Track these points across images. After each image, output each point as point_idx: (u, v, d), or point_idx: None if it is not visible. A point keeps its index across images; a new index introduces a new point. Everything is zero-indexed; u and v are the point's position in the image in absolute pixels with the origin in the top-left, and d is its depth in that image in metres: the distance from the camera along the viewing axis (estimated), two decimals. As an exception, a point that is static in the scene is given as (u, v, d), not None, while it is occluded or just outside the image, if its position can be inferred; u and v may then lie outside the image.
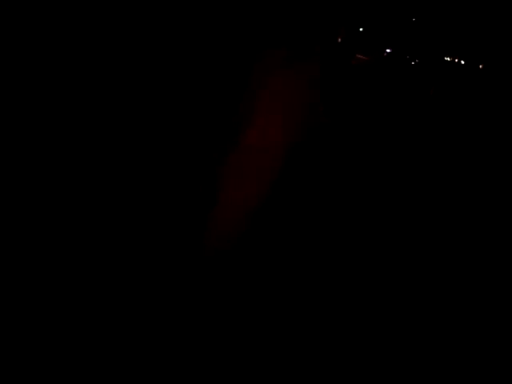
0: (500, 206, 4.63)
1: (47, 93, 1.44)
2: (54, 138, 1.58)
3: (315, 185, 3.96)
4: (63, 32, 1.40)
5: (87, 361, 1.76)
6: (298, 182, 3.78)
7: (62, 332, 1.78)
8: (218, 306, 2.17)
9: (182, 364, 1.78)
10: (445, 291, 2.87)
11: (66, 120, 1.61)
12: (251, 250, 2.68)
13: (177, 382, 1.74)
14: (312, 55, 3.57)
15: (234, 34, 1.93)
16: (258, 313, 2.21)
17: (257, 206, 3.02)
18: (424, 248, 3.23)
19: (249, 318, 2.14)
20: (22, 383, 1.65)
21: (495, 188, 5.32)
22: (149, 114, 1.88)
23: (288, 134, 3.48)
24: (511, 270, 3.28)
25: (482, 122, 8.18)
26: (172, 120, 1.95)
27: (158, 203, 2.08)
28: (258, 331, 2.05)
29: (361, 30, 9.19)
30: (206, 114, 2.05)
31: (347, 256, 2.80)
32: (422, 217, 3.78)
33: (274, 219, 3.13)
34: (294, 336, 2.07)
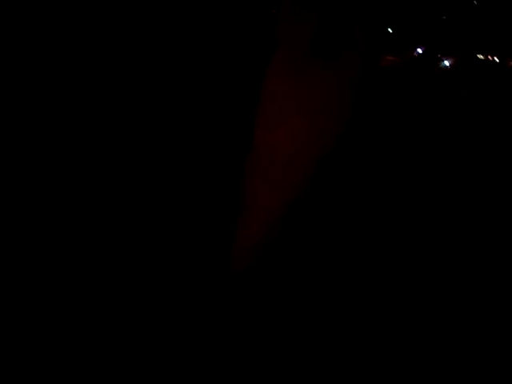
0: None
1: (47, 93, 1.50)
2: (61, 138, 1.63)
3: (345, 194, 4.01)
4: (63, 32, 1.46)
5: (93, 361, 1.81)
6: (327, 191, 3.82)
7: (71, 332, 1.83)
8: (242, 319, 2.20)
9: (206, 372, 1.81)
10: (452, 290, 2.90)
11: (78, 120, 1.65)
12: (279, 263, 2.71)
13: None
14: (342, 54, 3.52)
15: (252, 27, 1.87)
16: (284, 326, 2.24)
17: (284, 216, 3.04)
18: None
19: (274, 333, 2.16)
20: (22, 383, 1.73)
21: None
22: (168, 119, 1.89)
23: (315, 139, 3.51)
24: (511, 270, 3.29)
25: (517, 121, 7.95)
26: (193, 125, 1.94)
27: (181, 213, 2.07)
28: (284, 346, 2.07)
29: (390, 30, 9.10)
30: (228, 117, 2.00)
31: (381, 270, 2.81)
32: (462, 233, 3.75)
33: (302, 231, 3.15)
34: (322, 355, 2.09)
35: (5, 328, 1.62)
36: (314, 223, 3.53)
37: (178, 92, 1.67)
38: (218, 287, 2.08)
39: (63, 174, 1.58)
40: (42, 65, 1.39)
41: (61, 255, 1.70)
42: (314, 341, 2.16)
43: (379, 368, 2.14)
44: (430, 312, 2.73)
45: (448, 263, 3.32)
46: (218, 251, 2.03)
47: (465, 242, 3.87)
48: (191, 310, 2.00)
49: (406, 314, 2.54)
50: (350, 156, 5.47)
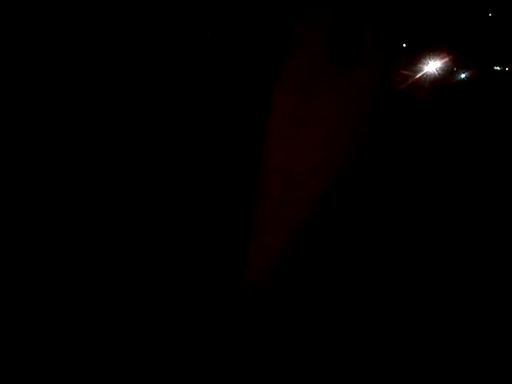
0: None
1: (47, 93, 1.44)
2: (64, 139, 1.57)
3: (365, 208, 3.86)
4: (63, 32, 1.40)
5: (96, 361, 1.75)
6: (347, 205, 3.70)
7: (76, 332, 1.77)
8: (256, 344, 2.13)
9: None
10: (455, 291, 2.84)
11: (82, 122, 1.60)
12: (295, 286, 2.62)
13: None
14: (357, 63, 3.38)
15: (258, 36, 1.74)
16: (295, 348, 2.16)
17: (295, 240, 2.93)
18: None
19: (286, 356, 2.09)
20: (22, 383, 1.65)
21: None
22: (170, 133, 1.82)
23: (332, 152, 3.37)
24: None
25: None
26: (197, 143, 1.88)
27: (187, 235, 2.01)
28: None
29: (404, 45, 9.05)
30: (234, 133, 1.91)
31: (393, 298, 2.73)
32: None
33: (315, 255, 3.04)
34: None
35: (5, 328, 1.57)
36: (334, 240, 3.45)
37: (183, 103, 1.57)
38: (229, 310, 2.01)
39: (64, 177, 1.51)
40: (42, 65, 1.33)
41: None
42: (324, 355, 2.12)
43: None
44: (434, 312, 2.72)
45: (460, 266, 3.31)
46: (229, 275, 1.95)
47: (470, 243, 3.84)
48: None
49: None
50: (369, 169, 5.39)
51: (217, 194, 1.81)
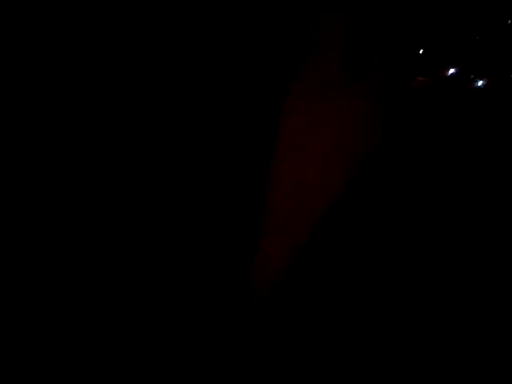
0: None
1: (47, 93, 1.41)
2: (66, 138, 1.54)
3: (376, 215, 3.79)
4: (63, 32, 1.37)
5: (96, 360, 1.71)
6: (351, 223, 3.64)
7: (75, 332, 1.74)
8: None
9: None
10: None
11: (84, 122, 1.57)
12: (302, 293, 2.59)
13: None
14: (368, 74, 3.32)
15: (266, 45, 1.67)
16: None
17: (302, 251, 2.88)
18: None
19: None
20: (22, 383, 1.61)
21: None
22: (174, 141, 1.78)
23: (340, 165, 3.30)
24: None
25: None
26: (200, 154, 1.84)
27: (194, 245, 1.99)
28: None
29: (421, 51, 8.98)
30: (241, 143, 1.84)
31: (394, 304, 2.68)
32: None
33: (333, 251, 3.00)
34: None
35: (5, 328, 1.53)
36: (345, 245, 3.43)
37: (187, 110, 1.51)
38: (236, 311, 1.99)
39: (63, 178, 1.47)
40: (42, 65, 1.28)
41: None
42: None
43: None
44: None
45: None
46: (235, 284, 1.91)
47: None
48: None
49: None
50: (380, 176, 5.35)
51: (226, 202, 1.75)
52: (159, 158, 1.59)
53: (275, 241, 2.31)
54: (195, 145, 1.64)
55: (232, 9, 1.48)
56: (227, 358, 2.05)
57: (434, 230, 3.98)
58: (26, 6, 1.27)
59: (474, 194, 5.21)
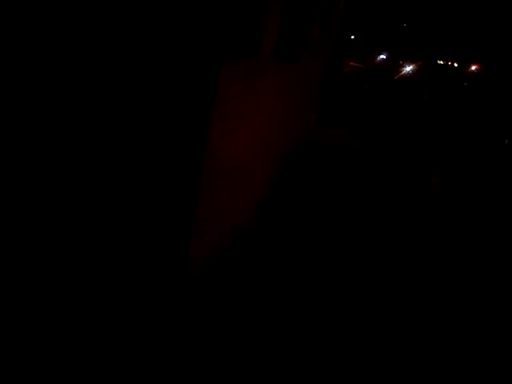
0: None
1: (46, 93, 1.41)
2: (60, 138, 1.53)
3: (310, 194, 3.95)
4: (63, 32, 1.37)
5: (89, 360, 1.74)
6: (295, 188, 3.76)
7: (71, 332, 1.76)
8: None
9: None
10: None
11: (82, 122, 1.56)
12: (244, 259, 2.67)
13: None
14: (302, 56, 3.43)
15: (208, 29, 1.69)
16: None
17: (237, 228, 2.94)
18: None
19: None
20: (22, 383, 1.63)
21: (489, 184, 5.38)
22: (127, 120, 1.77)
23: (278, 139, 3.42)
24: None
25: (476, 124, 8.20)
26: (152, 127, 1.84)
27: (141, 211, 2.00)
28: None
29: (352, 37, 9.29)
30: (185, 118, 1.86)
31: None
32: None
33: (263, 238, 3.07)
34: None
35: (5, 328, 1.51)
36: (283, 219, 3.49)
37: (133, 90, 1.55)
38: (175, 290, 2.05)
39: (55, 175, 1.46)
40: (41, 65, 1.28)
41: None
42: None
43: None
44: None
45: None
46: (172, 262, 1.97)
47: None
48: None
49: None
50: (315, 155, 5.49)
51: (160, 184, 1.81)
52: (86, 137, 1.61)
53: (212, 216, 2.39)
54: (126, 127, 1.69)
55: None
56: (164, 325, 2.08)
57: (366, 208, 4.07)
58: (26, 5, 1.25)
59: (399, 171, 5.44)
